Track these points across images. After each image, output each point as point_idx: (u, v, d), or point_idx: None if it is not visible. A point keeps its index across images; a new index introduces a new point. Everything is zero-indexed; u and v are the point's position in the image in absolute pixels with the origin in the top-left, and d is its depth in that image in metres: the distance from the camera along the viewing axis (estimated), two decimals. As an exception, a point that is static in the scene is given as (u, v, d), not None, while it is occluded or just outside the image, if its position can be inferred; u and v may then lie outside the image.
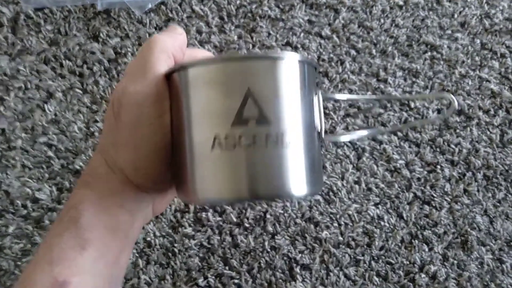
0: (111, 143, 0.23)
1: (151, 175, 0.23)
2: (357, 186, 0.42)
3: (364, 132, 0.32)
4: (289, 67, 0.21)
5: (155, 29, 0.47)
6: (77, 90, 0.44)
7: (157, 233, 0.39)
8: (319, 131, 0.23)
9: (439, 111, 0.45)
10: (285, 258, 0.39)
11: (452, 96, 0.26)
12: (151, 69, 0.22)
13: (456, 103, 0.24)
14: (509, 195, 0.42)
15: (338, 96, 0.25)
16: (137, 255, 0.39)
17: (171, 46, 0.23)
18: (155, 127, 0.22)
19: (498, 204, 0.42)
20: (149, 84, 0.21)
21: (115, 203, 0.22)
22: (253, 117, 0.20)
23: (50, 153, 0.41)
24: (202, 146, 0.21)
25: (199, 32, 0.47)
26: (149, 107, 0.22)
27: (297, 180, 0.21)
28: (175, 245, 0.39)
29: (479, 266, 0.40)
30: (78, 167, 0.41)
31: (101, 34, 0.46)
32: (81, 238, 0.21)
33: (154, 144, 0.22)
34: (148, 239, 0.39)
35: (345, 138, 0.30)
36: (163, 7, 0.47)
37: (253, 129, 0.20)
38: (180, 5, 0.48)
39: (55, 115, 0.43)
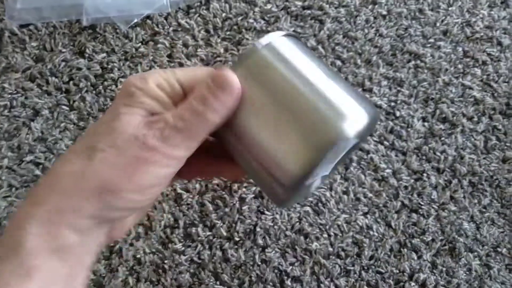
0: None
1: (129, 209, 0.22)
2: (345, 196, 0.42)
3: None
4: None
5: (141, 43, 0.47)
6: (64, 107, 0.44)
7: (147, 250, 0.39)
8: None
9: (424, 119, 0.45)
10: (276, 271, 0.40)
11: None
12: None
13: None
14: (494, 201, 0.43)
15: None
16: (127, 273, 0.38)
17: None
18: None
19: (484, 210, 0.43)
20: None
21: (65, 223, 0.20)
22: None
23: (38, 172, 0.41)
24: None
25: (185, 45, 0.47)
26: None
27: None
28: (165, 261, 0.39)
29: (468, 273, 0.41)
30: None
31: (87, 50, 0.46)
32: (26, 266, 0.19)
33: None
34: (138, 256, 0.39)
35: None
36: (148, 21, 0.47)
37: None
38: (166, 18, 0.48)
39: (42, 132, 0.43)
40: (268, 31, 0.47)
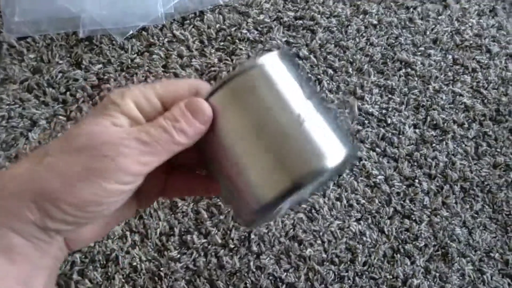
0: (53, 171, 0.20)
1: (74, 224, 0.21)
2: (338, 203, 0.42)
3: None
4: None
5: (137, 54, 0.48)
6: (61, 117, 0.44)
7: (143, 258, 0.40)
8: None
9: (415, 125, 0.46)
10: (270, 277, 0.40)
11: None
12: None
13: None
14: (486, 206, 0.44)
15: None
16: (123, 280, 0.39)
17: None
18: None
19: (476, 215, 0.43)
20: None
21: (7, 225, 0.20)
22: None
23: (34, 181, 0.42)
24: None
25: (180, 56, 0.48)
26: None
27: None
28: (161, 269, 0.39)
29: (461, 278, 0.41)
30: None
31: (83, 61, 0.47)
32: None
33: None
34: (134, 264, 0.39)
35: None
36: (144, 32, 0.48)
37: None
38: (161, 30, 0.49)
39: (39, 142, 0.43)
40: (262, 41, 0.48)
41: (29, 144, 0.43)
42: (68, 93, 0.45)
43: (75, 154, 0.20)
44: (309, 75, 0.47)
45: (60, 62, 0.47)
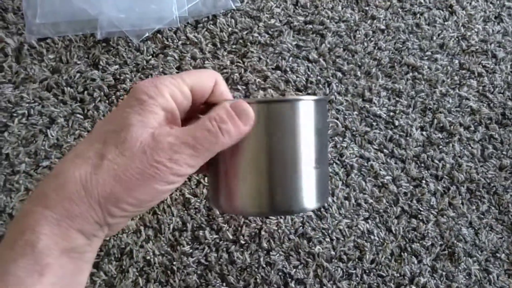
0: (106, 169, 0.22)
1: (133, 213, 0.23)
2: (347, 202, 0.43)
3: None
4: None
5: (152, 56, 0.49)
6: (78, 116, 0.46)
7: (156, 252, 0.41)
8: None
9: (422, 128, 0.47)
10: (280, 273, 0.41)
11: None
12: None
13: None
14: (492, 207, 0.44)
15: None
16: (137, 273, 0.40)
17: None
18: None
19: (482, 216, 0.44)
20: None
21: (73, 227, 0.22)
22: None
23: (52, 177, 0.43)
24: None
25: (193, 58, 0.49)
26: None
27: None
28: (174, 263, 0.40)
29: (467, 277, 0.42)
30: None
31: (100, 62, 0.48)
32: (39, 264, 0.20)
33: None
34: (148, 257, 0.40)
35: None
36: (159, 35, 0.50)
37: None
38: (175, 33, 0.50)
39: (57, 139, 0.45)
40: (272, 45, 0.50)
41: (48, 141, 0.45)
42: (85, 92, 0.47)
43: (131, 159, 0.22)
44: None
45: (78, 62, 0.48)
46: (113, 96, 0.47)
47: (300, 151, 0.24)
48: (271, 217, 0.26)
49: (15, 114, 0.45)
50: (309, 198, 0.25)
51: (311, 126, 0.25)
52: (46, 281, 0.20)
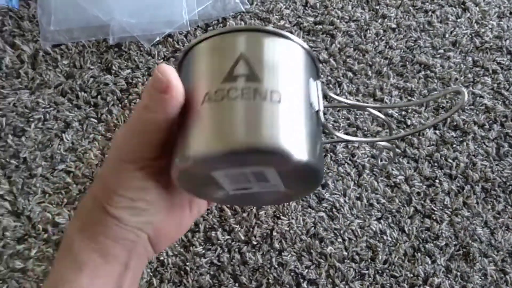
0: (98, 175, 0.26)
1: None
2: (359, 202, 0.43)
3: (363, 139, 0.33)
4: (282, 42, 0.23)
5: (163, 59, 0.50)
6: (92, 119, 0.47)
7: (170, 253, 0.41)
8: (317, 110, 0.23)
9: (435, 127, 0.47)
10: (292, 273, 0.41)
11: (463, 89, 0.27)
12: None
13: (466, 95, 0.26)
14: (508, 207, 0.44)
15: (332, 95, 0.25)
16: (151, 274, 0.40)
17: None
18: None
19: (498, 215, 0.43)
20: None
21: (97, 232, 0.24)
22: (243, 75, 0.21)
23: (68, 179, 0.44)
24: (194, 104, 0.21)
25: (204, 61, 0.50)
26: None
27: (291, 139, 0.21)
28: (187, 263, 0.41)
29: (483, 278, 0.41)
30: (94, 192, 0.44)
31: (113, 66, 0.49)
32: (77, 261, 0.24)
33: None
34: (161, 258, 0.41)
35: (342, 136, 0.29)
36: (170, 39, 0.51)
37: (242, 84, 0.21)
38: (185, 36, 0.51)
39: (72, 143, 0.46)
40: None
41: (63, 145, 0.46)
42: (99, 96, 0.48)
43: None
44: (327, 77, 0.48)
45: (92, 67, 0.49)
46: (126, 100, 0.48)
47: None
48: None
49: (31, 119, 0.46)
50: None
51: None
52: (85, 275, 0.24)
